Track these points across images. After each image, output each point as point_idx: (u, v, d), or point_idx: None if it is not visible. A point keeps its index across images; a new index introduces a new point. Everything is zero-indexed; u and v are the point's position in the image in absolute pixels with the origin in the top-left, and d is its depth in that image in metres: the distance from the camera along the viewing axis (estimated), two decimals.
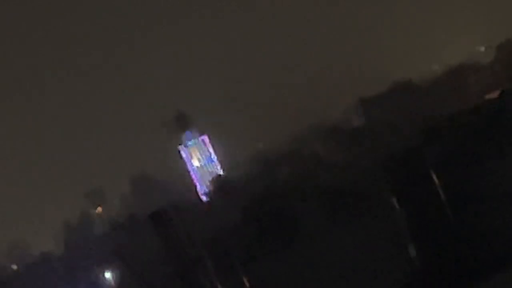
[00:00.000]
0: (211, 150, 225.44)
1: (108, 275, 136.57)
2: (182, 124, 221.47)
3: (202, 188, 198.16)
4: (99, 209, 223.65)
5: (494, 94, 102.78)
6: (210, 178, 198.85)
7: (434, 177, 71.49)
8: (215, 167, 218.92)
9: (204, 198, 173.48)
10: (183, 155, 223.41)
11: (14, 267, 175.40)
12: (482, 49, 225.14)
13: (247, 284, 72.69)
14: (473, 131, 74.32)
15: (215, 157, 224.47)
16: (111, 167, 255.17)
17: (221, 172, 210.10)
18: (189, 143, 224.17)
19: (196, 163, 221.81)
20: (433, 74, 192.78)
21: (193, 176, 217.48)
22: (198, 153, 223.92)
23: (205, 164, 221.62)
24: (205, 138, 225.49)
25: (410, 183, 71.55)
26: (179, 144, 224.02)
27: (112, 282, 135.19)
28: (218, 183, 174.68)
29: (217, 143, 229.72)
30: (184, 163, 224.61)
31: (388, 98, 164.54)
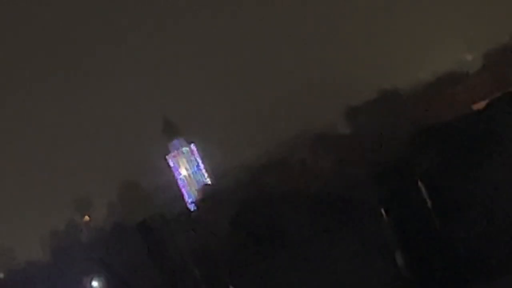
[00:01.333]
0: (198, 158, 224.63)
1: (94, 283, 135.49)
2: (169, 133, 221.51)
3: (190, 197, 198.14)
4: (86, 217, 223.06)
5: (482, 104, 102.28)
6: (198, 187, 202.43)
7: (422, 186, 72.21)
8: (202, 176, 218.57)
9: (191, 207, 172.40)
10: (171, 164, 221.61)
11: (1, 275, 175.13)
12: (470, 57, 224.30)
13: None
14: (460, 141, 73.50)
15: (203, 166, 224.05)
16: (98, 176, 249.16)
17: (208, 181, 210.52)
18: (176, 152, 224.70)
19: (183, 172, 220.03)
20: (420, 82, 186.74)
21: (181, 185, 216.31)
22: (185, 162, 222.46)
23: (192, 173, 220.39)
24: (193, 147, 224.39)
25: (398, 192, 73.10)
26: (167, 153, 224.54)
27: None
28: (206, 192, 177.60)
29: (204, 151, 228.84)
30: (171, 172, 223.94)
31: (374, 106, 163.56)
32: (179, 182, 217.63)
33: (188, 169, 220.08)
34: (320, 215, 77.65)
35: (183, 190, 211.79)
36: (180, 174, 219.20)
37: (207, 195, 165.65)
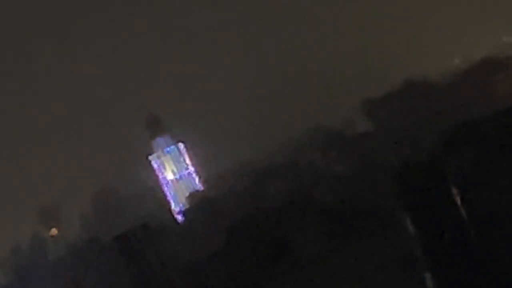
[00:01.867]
0: (188, 160, 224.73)
1: None
2: (154, 129, 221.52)
3: (177, 206, 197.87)
4: (54, 230, 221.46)
5: None
6: (187, 194, 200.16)
7: (454, 192, 71.07)
8: (192, 180, 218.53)
9: (179, 217, 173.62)
10: (155, 166, 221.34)
11: None
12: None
13: None
14: (501, 140, 73.21)
15: (193, 169, 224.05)
16: (68, 181, 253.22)
17: (200, 187, 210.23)
18: (162, 152, 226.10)
19: (170, 175, 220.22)
20: (452, 70, 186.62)
21: (167, 192, 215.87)
22: (172, 164, 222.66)
23: (180, 177, 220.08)
24: (181, 146, 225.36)
25: (425, 199, 71.26)
26: (150, 154, 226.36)
27: None
28: (196, 200, 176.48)
29: (195, 152, 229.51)
30: (155, 176, 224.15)
31: (398, 99, 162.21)
32: (165, 187, 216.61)
33: (176, 173, 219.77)
34: (334, 227, 77.26)
35: (169, 198, 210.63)
36: (166, 178, 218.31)
37: (199, 204, 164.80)
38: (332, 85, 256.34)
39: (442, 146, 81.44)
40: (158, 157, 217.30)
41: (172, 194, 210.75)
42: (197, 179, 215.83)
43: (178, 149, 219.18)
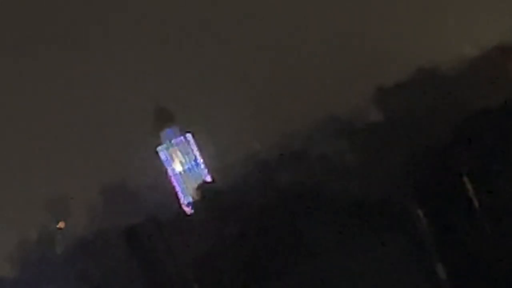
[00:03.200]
0: (196, 151, 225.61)
1: None
2: (162, 120, 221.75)
3: (186, 198, 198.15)
4: (61, 223, 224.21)
5: None
6: (196, 186, 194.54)
7: (468, 183, 71.50)
8: (201, 172, 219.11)
9: (188, 209, 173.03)
10: (163, 157, 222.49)
11: None
12: None
13: None
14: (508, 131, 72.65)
15: (201, 160, 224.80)
16: (76, 174, 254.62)
17: (208, 178, 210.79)
18: (169, 143, 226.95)
19: (178, 167, 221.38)
20: (465, 58, 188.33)
21: (175, 183, 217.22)
22: (180, 155, 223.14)
23: (189, 169, 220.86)
24: (189, 137, 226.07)
25: (438, 190, 72.03)
26: (158, 145, 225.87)
27: None
28: (205, 191, 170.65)
29: (203, 143, 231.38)
30: (163, 168, 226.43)
31: (411, 87, 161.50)
32: (173, 179, 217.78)
33: (184, 164, 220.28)
34: (345, 220, 76.29)
35: (178, 189, 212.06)
36: (174, 169, 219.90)
37: (208, 195, 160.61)
38: (342, 75, 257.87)
39: (454, 136, 79.72)
40: (167, 149, 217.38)
41: (180, 185, 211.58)
42: (205, 170, 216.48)
43: (186, 140, 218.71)
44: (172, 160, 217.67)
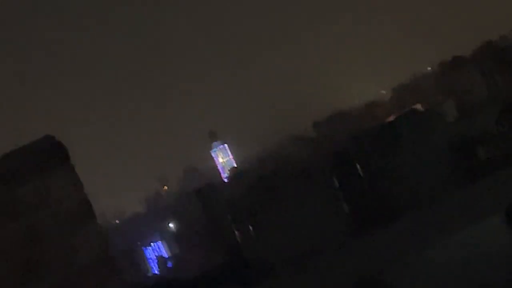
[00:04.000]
0: (229, 152, 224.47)
1: (171, 226, 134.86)
2: (212, 138, 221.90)
3: (224, 174, 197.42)
4: (165, 187, 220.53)
5: (392, 117, 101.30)
6: (229, 169, 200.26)
7: (359, 166, 70.74)
8: (231, 162, 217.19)
9: (225, 180, 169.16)
10: (213, 156, 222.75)
11: (117, 221, 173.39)
12: (384, 92, 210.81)
13: (251, 229, 69.92)
14: (381, 138, 70.97)
15: (231, 157, 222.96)
16: (173, 162, 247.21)
17: (235, 165, 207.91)
18: (216, 149, 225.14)
19: (220, 160, 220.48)
20: (357, 106, 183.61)
21: (219, 168, 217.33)
22: (221, 155, 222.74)
23: (226, 161, 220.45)
24: (226, 145, 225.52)
25: (345, 169, 71.29)
26: (211, 149, 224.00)
27: (174, 230, 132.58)
28: (233, 171, 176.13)
29: (233, 148, 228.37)
30: (214, 161, 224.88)
31: (334, 119, 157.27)
32: (219, 166, 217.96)
33: (223, 158, 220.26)
34: (304, 182, 72.13)
35: (221, 171, 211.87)
36: (219, 161, 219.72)
37: (234, 173, 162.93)
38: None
39: (352, 143, 77.21)
40: (215, 151, 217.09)
41: (222, 169, 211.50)
42: (233, 162, 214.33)
43: (224, 147, 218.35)
44: (217, 157, 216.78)
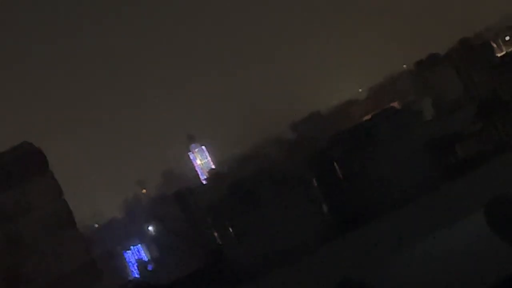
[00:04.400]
0: (207, 154, 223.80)
1: (151, 229, 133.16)
2: (191, 140, 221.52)
3: (203, 176, 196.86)
4: (144, 191, 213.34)
5: (369, 116, 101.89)
6: (207, 171, 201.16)
7: (336, 165, 70.54)
8: (209, 164, 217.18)
9: (204, 182, 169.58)
10: (191, 157, 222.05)
11: (96, 225, 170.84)
12: (360, 90, 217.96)
13: (231, 232, 69.33)
14: (358, 137, 71.29)
15: (209, 158, 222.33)
16: (152, 166, 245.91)
17: (213, 167, 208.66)
18: (195, 150, 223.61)
19: (199, 162, 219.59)
20: (334, 106, 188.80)
21: (198, 170, 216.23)
22: (200, 157, 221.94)
23: (204, 163, 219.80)
24: (204, 147, 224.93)
25: (324, 169, 71.18)
26: (189, 151, 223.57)
27: (153, 233, 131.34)
28: (212, 173, 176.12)
29: (211, 150, 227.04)
30: (193, 163, 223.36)
31: (313, 119, 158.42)
32: (197, 168, 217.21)
33: (201, 160, 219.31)
34: (283, 183, 72.20)
35: (199, 172, 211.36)
36: (198, 163, 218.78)
37: (212, 175, 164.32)
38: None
39: (330, 142, 77.58)
40: (193, 153, 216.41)
41: (200, 171, 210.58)
42: (211, 163, 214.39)
43: (202, 149, 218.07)
44: (196, 159, 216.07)
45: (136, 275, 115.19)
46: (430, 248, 45.79)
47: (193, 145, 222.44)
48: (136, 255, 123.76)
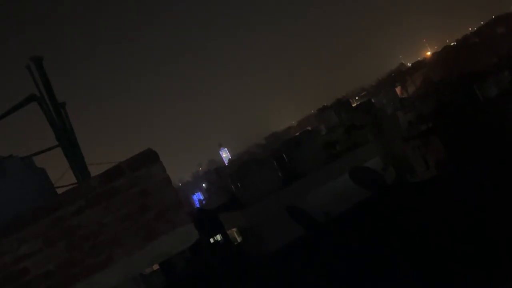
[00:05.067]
0: (228, 152, 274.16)
1: (204, 185, 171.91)
2: (220, 145, 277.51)
3: (226, 162, 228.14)
4: (200, 168, 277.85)
5: (297, 134, 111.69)
6: (228, 159, 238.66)
7: (284, 156, 71.32)
8: (229, 156, 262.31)
9: (226, 164, 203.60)
10: (221, 153, 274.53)
11: (180, 184, 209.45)
12: (293, 122, 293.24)
13: (239, 185, 67.26)
14: (292, 144, 71.81)
15: (228, 154, 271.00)
16: (204, 157, 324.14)
17: (230, 157, 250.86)
18: (222, 150, 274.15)
19: (224, 155, 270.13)
20: (282, 129, 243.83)
21: (223, 160, 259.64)
22: (224, 153, 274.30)
23: (226, 156, 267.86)
24: (226, 149, 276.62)
25: (278, 157, 72.85)
26: (220, 151, 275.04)
27: (205, 187, 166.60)
28: (229, 161, 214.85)
29: (229, 150, 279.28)
30: (221, 156, 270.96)
31: (271, 136, 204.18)
32: (223, 158, 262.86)
33: (225, 154, 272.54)
34: (260, 163, 71.22)
35: (225, 161, 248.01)
36: (223, 156, 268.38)
37: (230, 161, 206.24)
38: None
39: (283, 146, 74.67)
40: (221, 152, 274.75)
41: (225, 160, 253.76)
42: (230, 156, 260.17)
43: (225, 150, 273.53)
44: (223, 154, 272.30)
45: (197, 206, 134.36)
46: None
47: (221, 148, 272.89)
48: (197, 197, 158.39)
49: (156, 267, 47.18)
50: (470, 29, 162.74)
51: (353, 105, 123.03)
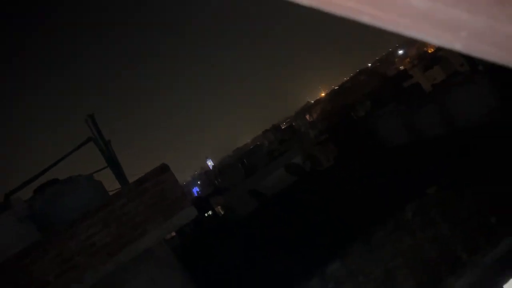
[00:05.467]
0: (211, 161, 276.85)
1: (199, 183, 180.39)
2: (206, 157, 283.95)
3: (211, 167, 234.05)
4: (196, 172, 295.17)
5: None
6: (212, 165, 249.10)
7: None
8: (212, 164, 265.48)
9: (211, 168, 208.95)
10: (207, 162, 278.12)
11: (184, 182, 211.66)
12: (249, 141, 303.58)
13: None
14: (252, 156, 77.43)
15: (212, 162, 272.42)
16: (198, 165, 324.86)
17: (213, 164, 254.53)
18: (208, 160, 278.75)
19: (209, 163, 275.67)
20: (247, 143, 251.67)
21: (209, 166, 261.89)
22: (209, 162, 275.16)
23: (210, 164, 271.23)
24: (210, 159, 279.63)
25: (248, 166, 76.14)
26: (206, 160, 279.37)
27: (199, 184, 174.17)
28: (213, 167, 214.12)
29: (212, 159, 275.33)
30: (208, 164, 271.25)
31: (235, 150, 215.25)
32: (210, 166, 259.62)
33: (210, 163, 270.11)
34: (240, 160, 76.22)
35: (210, 166, 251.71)
36: (209, 164, 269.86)
37: (214, 167, 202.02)
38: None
39: (251, 152, 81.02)
40: (207, 161, 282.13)
41: (210, 166, 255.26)
42: (213, 163, 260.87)
43: (210, 159, 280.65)
44: (209, 162, 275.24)
45: (195, 195, 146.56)
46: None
47: (207, 158, 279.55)
48: (195, 190, 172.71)
49: (173, 234, 58.09)
50: (345, 78, 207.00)
51: (282, 127, 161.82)
